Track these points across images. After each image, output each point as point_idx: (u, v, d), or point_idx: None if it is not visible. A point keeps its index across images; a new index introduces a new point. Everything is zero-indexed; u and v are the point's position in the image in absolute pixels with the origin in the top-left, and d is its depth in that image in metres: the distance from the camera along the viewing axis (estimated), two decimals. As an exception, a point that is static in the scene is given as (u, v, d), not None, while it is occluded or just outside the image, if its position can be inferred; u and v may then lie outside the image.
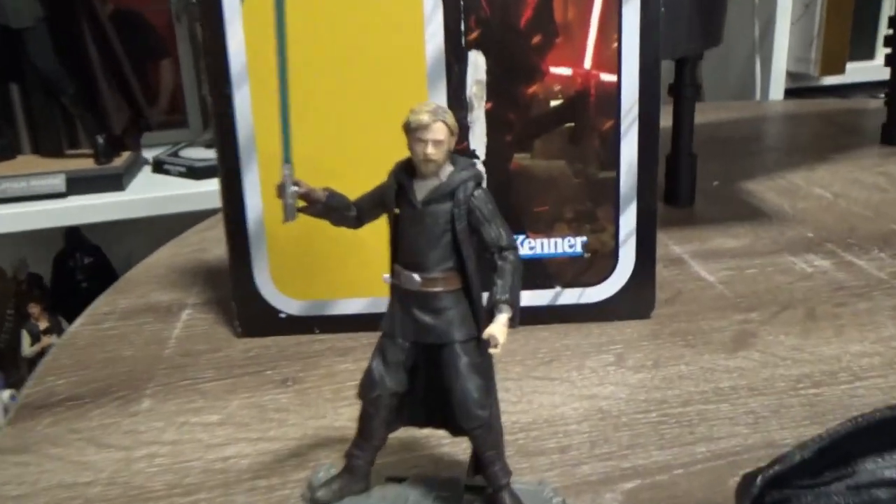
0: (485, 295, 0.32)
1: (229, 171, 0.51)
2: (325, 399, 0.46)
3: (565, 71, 0.50)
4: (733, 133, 1.05)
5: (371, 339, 0.34)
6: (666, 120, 0.60)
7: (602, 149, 0.51)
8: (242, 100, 0.49)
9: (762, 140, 1.06)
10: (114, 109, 1.21)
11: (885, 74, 0.95)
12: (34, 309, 1.29)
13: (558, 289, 0.53)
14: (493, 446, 0.33)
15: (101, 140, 1.18)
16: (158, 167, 1.27)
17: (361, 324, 0.52)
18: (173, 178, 1.24)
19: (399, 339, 0.33)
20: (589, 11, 0.49)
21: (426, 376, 0.34)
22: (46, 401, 0.46)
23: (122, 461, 0.41)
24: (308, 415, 0.44)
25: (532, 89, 0.50)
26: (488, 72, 0.50)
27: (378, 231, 0.34)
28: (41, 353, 1.19)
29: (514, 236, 0.32)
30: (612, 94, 0.50)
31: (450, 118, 0.31)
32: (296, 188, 0.33)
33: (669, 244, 0.67)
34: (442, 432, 0.36)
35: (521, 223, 0.52)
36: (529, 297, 0.53)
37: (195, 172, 1.22)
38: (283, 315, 0.53)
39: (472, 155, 0.51)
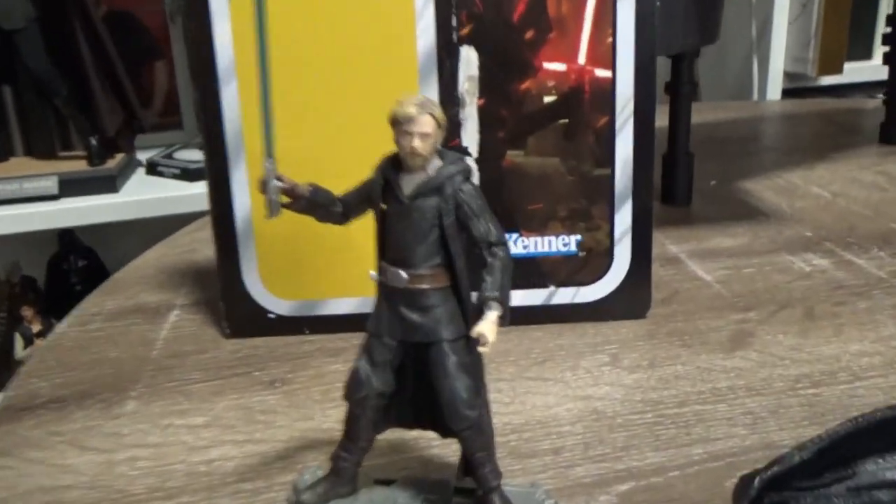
0: (474, 294, 0.31)
1: (217, 169, 0.50)
2: (314, 400, 0.45)
3: (559, 66, 0.49)
4: (731, 133, 1.04)
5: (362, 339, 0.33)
6: (662, 119, 0.60)
7: (597, 146, 0.50)
8: (230, 96, 0.48)
9: (760, 140, 1.05)
10: (107, 111, 1.20)
11: (883, 74, 0.94)
12: (27, 312, 1.28)
13: (552, 288, 0.52)
14: (482, 448, 0.32)
15: (94, 142, 1.17)
16: (152, 169, 1.26)
17: (352, 324, 0.51)
18: (167, 180, 1.24)
19: (386, 337, 0.32)
20: (583, 6, 0.48)
21: (414, 376, 0.33)
22: (29, 403, 0.45)
23: (103, 464, 0.40)
24: (296, 416, 0.43)
25: (525, 85, 0.50)
26: (481, 67, 0.49)
27: (369, 230, 0.33)
28: (33, 357, 1.18)
29: (508, 235, 0.32)
30: (607, 90, 0.50)
31: (437, 111, 0.30)
32: (279, 183, 0.32)
33: (666, 243, 0.66)
34: (432, 434, 0.35)
35: (515, 221, 0.51)
36: (523, 297, 0.52)
37: (189, 174, 1.22)
38: (272, 315, 0.52)
39: (465, 152, 0.50)
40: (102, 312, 0.57)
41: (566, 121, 0.50)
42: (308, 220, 0.34)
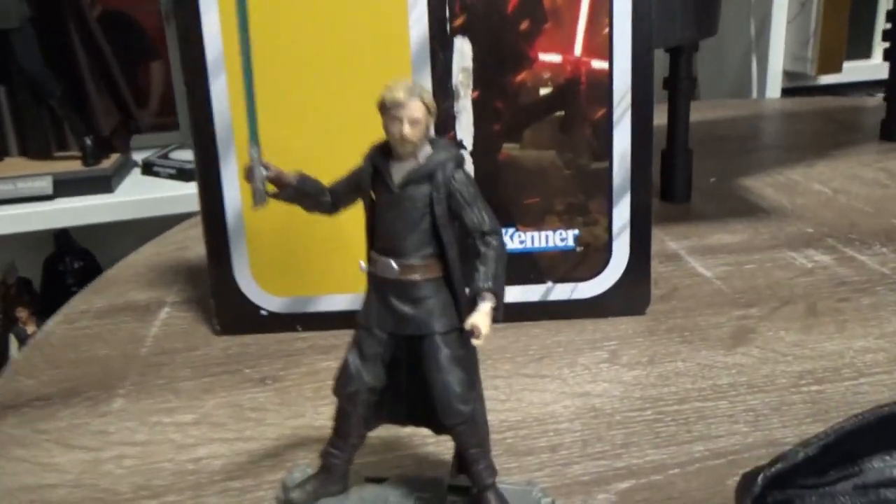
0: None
1: (206, 164, 0.49)
2: (306, 398, 0.44)
3: (555, 58, 0.48)
4: (730, 131, 1.03)
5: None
6: (661, 117, 0.59)
7: (594, 138, 0.49)
8: (219, 89, 0.47)
9: (759, 137, 1.05)
10: (102, 111, 1.20)
11: (882, 73, 0.93)
12: (22, 313, 1.27)
13: (550, 284, 0.51)
14: (477, 444, 0.31)
15: (88, 142, 1.16)
16: (148, 169, 1.25)
17: (345, 321, 0.49)
18: (163, 180, 1.23)
19: (376, 330, 0.31)
20: (579, -4, 0.48)
21: (407, 371, 0.32)
22: (14, 401, 0.44)
23: (89, 462, 0.39)
24: (287, 414, 0.42)
25: (520, 77, 0.49)
26: (475, 59, 0.48)
27: (362, 225, 0.32)
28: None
29: (504, 229, 0.30)
30: (604, 82, 0.49)
31: (427, 96, 0.29)
32: (265, 171, 0.31)
33: (665, 240, 0.65)
34: (426, 431, 0.34)
35: (511, 215, 0.50)
36: (520, 293, 0.51)
37: (185, 174, 1.21)
38: (264, 312, 0.51)
39: (460, 145, 0.49)
40: (91, 310, 0.56)
41: (562, 113, 0.49)
42: (300, 215, 0.33)
